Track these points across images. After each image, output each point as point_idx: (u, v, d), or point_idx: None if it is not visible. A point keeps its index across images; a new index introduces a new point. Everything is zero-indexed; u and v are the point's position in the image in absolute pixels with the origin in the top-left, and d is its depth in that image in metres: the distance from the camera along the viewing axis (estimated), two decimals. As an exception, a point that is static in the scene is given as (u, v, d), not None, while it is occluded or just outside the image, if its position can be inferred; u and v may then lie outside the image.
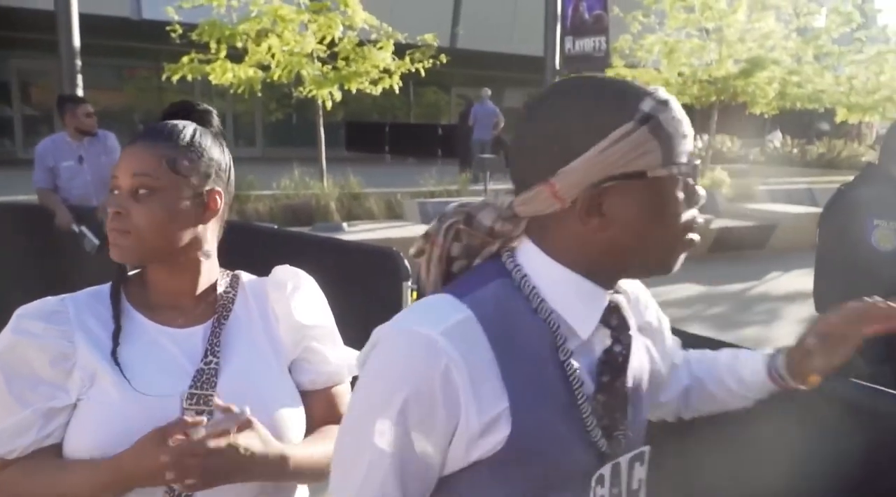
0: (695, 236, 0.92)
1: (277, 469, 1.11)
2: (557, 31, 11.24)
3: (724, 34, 13.18)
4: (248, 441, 1.07)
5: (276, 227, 7.03)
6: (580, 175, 0.86)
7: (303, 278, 1.29)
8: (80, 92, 7.39)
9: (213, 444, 1.03)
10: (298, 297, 1.26)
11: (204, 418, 1.07)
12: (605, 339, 0.93)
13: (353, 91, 10.10)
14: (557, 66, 11.28)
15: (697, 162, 0.91)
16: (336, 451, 0.91)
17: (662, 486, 1.45)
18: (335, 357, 1.28)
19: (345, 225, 8.70)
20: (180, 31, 9.00)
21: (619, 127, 0.85)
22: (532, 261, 0.91)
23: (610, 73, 13.66)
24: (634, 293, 1.08)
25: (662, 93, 0.89)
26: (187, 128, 1.20)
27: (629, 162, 0.85)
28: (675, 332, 1.24)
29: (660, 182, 0.87)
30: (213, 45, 9.29)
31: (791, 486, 1.58)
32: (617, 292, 0.95)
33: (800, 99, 14.86)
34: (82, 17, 7.68)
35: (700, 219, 0.93)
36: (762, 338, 6.09)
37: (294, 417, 1.20)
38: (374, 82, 10.09)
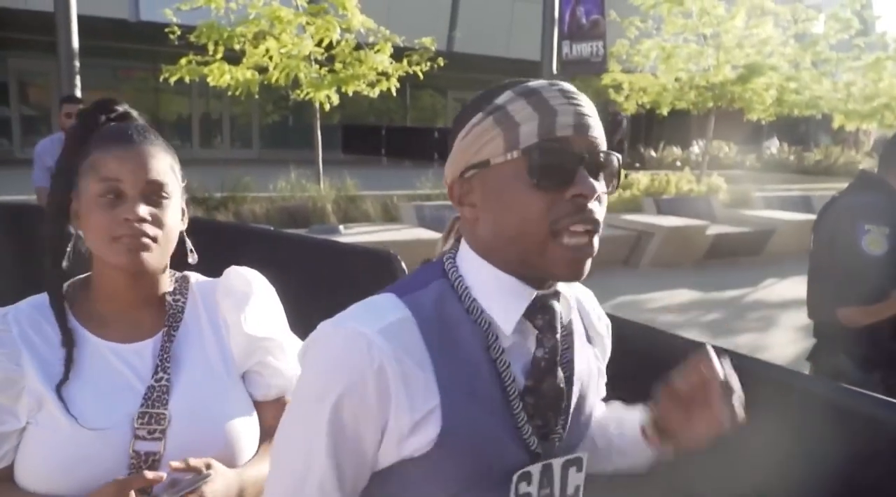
0: (572, 241, 0.86)
1: None
2: (555, 36, 11.24)
3: (721, 40, 13.21)
4: (212, 488, 1.07)
5: (272, 228, 7.01)
6: (451, 165, 0.94)
7: (255, 283, 1.25)
8: (78, 92, 7.38)
9: None
10: (250, 306, 1.23)
11: (163, 473, 1.04)
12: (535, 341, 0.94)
13: (350, 94, 10.10)
14: (554, 71, 11.28)
15: (558, 148, 0.86)
16: (275, 444, 0.93)
17: (654, 490, 1.46)
18: (287, 368, 1.25)
19: (341, 227, 8.69)
20: (178, 32, 8.99)
21: (473, 118, 0.91)
22: (464, 259, 0.94)
23: (607, 78, 13.70)
24: (585, 301, 1.09)
25: (534, 83, 0.90)
26: (152, 131, 1.19)
27: (477, 151, 0.90)
28: (670, 337, 1.24)
29: (504, 169, 0.89)
30: (210, 47, 9.28)
31: (781, 491, 1.58)
32: (553, 294, 0.94)
33: (797, 105, 14.91)
34: (81, 18, 7.66)
35: (595, 216, 0.87)
36: (758, 344, 6.10)
37: (247, 429, 1.18)
38: (372, 85, 10.10)
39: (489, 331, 0.90)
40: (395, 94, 10.44)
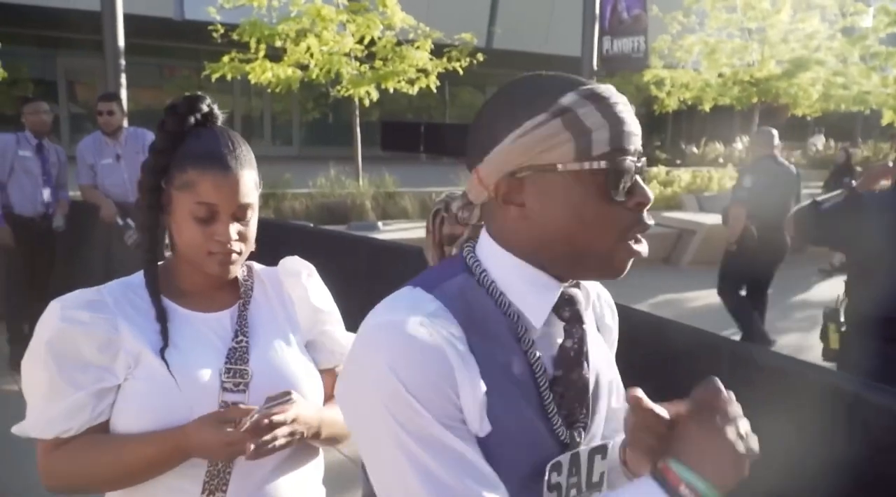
0: (638, 247, 0.89)
1: (316, 428, 1.28)
2: (595, 31, 11.13)
3: (766, 34, 12.96)
4: (299, 409, 1.23)
5: (311, 225, 7.09)
6: (497, 163, 0.89)
7: (312, 269, 1.44)
8: (123, 90, 7.54)
9: (277, 417, 1.18)
10: (312, 284, 1.41)
11: (254, 406, 1.19)
12: (561, 332, 0.95)
13: (391, 90, 10.15)
14: (595, 67, 11.17)
15: (630, 160, 0.87)
16: (375, 468, 0.87)
17: None
18: (344, 339, 1.42)
19: (380, 224, 8.74)
20: (221, 30, 9.13)
21: (534, 117, 0.87)
22: (487, 251, 0.94)
23: (648, 74, 13.53)
24: (597, 292, 1.10)
25: (601, 89, 0.88)
26: (241, 144, 1.29)
27: (540, 153, 0.86)
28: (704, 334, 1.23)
29: (575, 177, 0.87)
30: (252, 45, 9.41)
31: (788, 484, 1.57)
32: (575, 286, 0.95)
33: (844, 101, 14.55)
34: (127, 17, 7.82)
35: (649, 222, 0.90)
36: (802, 345, 5.97)
37: (315, 387, 1.34)
38: (411, 82, 10.13)
39: (519, 323, 0.91)
40: (434, 90, 10.46)
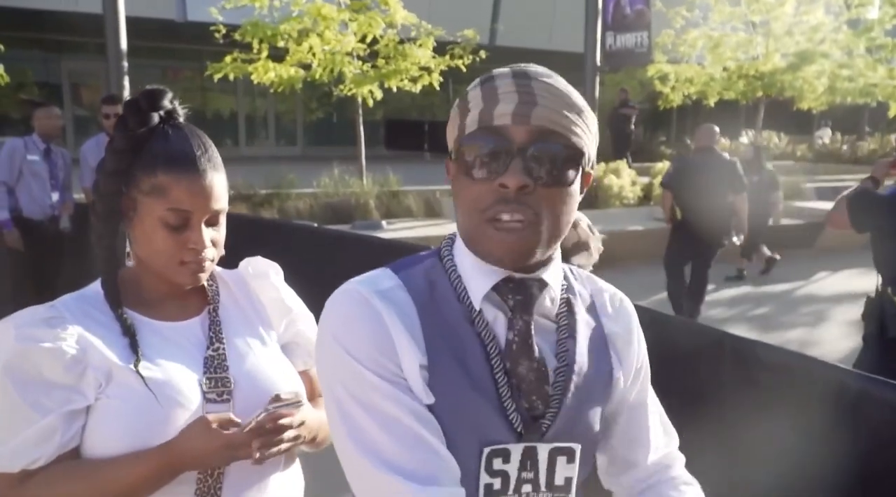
0: (500, 235, 0.87)
1: (315, 433, 1.24)
2: (598, 27, 11.10)
3: (771, 28, 12.91)
4: (305, 412, 1.19)
5: (315, 225, 7.08)
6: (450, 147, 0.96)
7: (278, 268, 1.38)
8: (126, 93, 7.54)
9: (285, 421, 1.14)
10: (281, 283, 1.36)
11: (255, 412, 1.14)
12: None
13: (394, 89, 10.13)
14: (598, 63, 11.14)
15: (490, 139, 0.87)
16: (335, 418, 0.91)
17: None
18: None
19: (384, 223, 8.73)
20: (223, 31, 9.13)
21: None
22: (456, 240, 0.99)
23: (652, 68, 13.49)
24: (604, 295, 1.07)
25: (500, 71, 0.91)
26: (210, 145, 1.21)
27: (450, 138, 0.95)
28: (717, 333, 1.22)
29: (454, 157, 0.93)
30: (255, 45, 9.41)
31: (793, 479, 1.56)
32: (535, 280, 0.94)
33: (850, 93, 14.48)
34: (129, 19, 7.83)
35: (505, 216, 0.87)
36: (809, 339, 5.94)
37: (300, 390, 1.27)
38: (414, 80, 10.12)
39: (471, 307, 0.93)
40: (437, 88, 10.44)
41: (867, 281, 7.62)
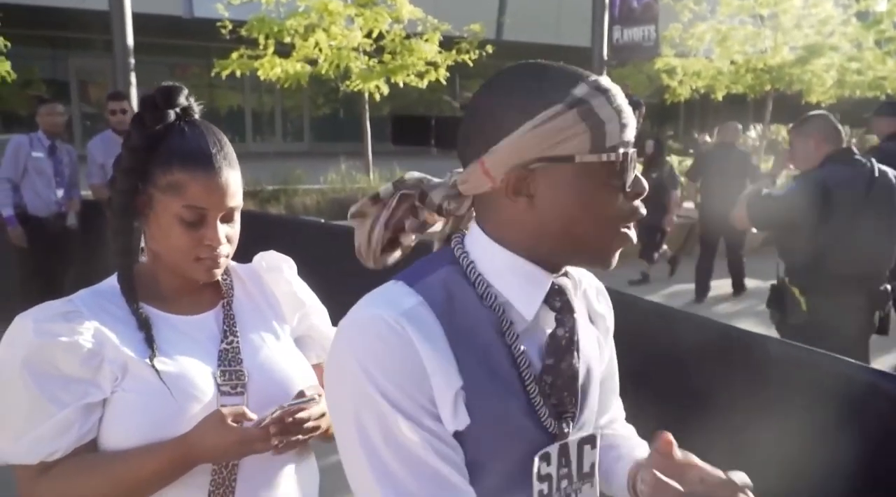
0: (629, 232, 0.91)
1: (328, 427, 1.24)
2: (605, 21, 11.05)
3: (779, 20, 12.81)
4: (323, 407, 1.20)
5: (322, 220, 7.09)
6: (508, 154, 0.87)
7: (292, 262, 1.38)
8: (133, 89, 7.56)
9: (302, 414, 1.15)
10: (294, 277, 1.37)
11: (270, 409, 1.15)
12: (551, 322, 0.94)
13: (401, 84, 10.13)
14: (605, 57, 11.10)
15: (633, 151, 0.89)
16: (346, 463, 0.88)
17: None
18: (330, 332, 1.37)
19: (391, 218, 8.72)
20: (230, 27, 9.14)
21: (549, 108, 0.85)
22: (478, 244, 0.93)
23: (659, 62, 13.43)
24: (586, 281, 1.10)
25: (604, 81, 0.88)
26: (226, 142, 1.22)
27: (556, 144, 0.86)
28: (719, 327, 1.21)
29: (588, 168, 0.87)
30: (261, 41, 9.42)
31: (802, 474, 1.55)
32: (564, 276, 0.96)
33: (859, 87, 14.37)
34: (136, 16, 7.83)
35: (643, 211, 0.92)
36: (819, 333, 5.91)
37: (313, 384, 1.28)
38: (421, 75, 10.11)
39: (503, 316, 0.90)
40: (444, 83, 10.43)
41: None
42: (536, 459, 0.91)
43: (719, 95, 14.10)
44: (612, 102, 0.87)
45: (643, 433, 1.13)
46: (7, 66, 7.96)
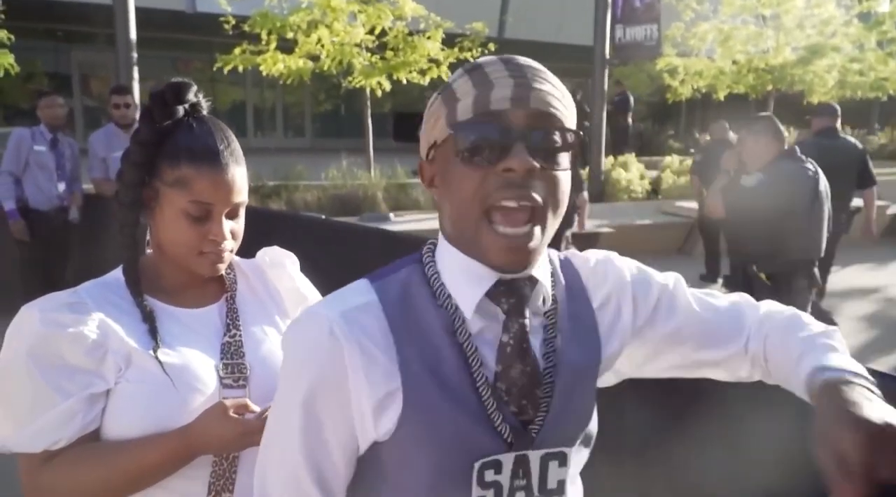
0: (506, 223, 0.83)
1: None
2: (608, 20, 11.05)
3: (781, 21, 12.81)
4: None
5: (323, 216, 7.10)
6: (421, 149, 0.94)
7: (294, 257, 1.40)
8: (136, 84, 7.57)
9: None
10: (296, 273, 1.38)
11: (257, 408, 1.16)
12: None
13: (403, 81, 10.13)
14: (607, 55, 11.10)
15: (492, 124, 0.83)
16: (264, 434, 0.95)
17: (665, 486, 1.43)
18: None
19: (392, 215, 8.74)
20: (233, 22, 9.14)
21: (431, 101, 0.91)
22: (440, 243, 0.95)
23: (661, 62, 13.42)
24: (581, 274, 1.02)
25: (484, 60, 0.89)
26: (233, 138, 1.23)
27: (430, 131, 0.91)
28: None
29: (444, 147, 0.88)
30: (264, 36, 9.42)
31: (788, 480, 1.56)
32: (525, 279, 0.90)
33: (861, 87, 14.37)
34: (139, 10, 7.84)
35: (520, 184, 0.83)
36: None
37: None
38: (423, 72, 10.10)
39: (455, 315, 0.89)
40: (446, 81, 10.43)
41: (876, 276, 7.60)
42: (477, 465, 0.88)
43: (721, 95, 14.10)
44: (479, 78, 0.85)
45: (640, 428, 1.13)
46: (10, 59, 7.96)
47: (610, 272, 1.04)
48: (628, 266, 1.07)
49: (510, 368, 0.89)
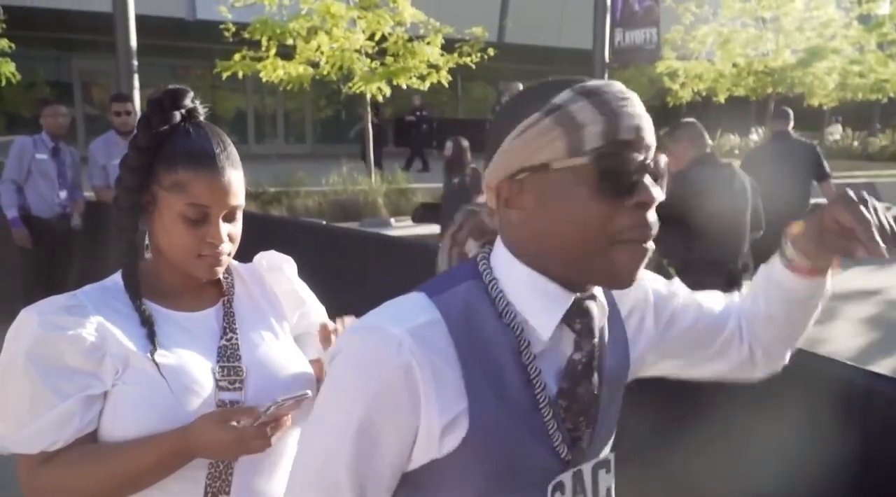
0: (642, 246, 0.84)
1: None
2: (607, 24, 11.06)
3: (781, 23, 12.84)
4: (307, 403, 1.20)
5: (324, 222, 7.11)
6: (498, 167, 0.87)
7: (292, 261, 1.41)
8: (136, 91, 7.59)
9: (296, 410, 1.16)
10: (294, 277, 1.40)
11: (264, 404, 1.16)
12: (571, 343, 0.90)
13: (403, 87, 10.15)
14: (607, 59, 11.11)
15: (629, 155, 0.82)
16: (301, 440, 0.93)
17: (664, 488, 1.43)
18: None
19: (392, 220, 8.75)
20: (233, 29, 9.17)
21: (528, 118, 0.85)
22: (500, 259, 0.91)
23: (661, 65, 13.44)
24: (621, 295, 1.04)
25: (593, 84, 0.85)
26: (229, 143, 1.24)
27: (534, 153, 0.84)
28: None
29: (569, 175, 0.83)
30: (264, 43, 9.45)
31: (788, 482, 1.56)
32: (590, 297, 0.91)
33: (861, 89, 14.39)
34: (139, 18, 7.87)
35: (651, 224, 0.84)
36: (816, 337, 5.92)
37: (311, 381, 1.29)
38: (422, 78, 10.13)
39: (521, 335, 0.88)
40: (446, 86, 10.46)
41: (876, 278, 7.59)
42: (549, 489, 0.88)
43: (721, 98, 14.13)
44: (600, 105, 0.83)
45: (640, 430, 1.14)
46: (11, 67, 7.99)
47: (642, 304, 1.07)
48: (645, 273, 1.09)
49: (578, 386, 0.90)
